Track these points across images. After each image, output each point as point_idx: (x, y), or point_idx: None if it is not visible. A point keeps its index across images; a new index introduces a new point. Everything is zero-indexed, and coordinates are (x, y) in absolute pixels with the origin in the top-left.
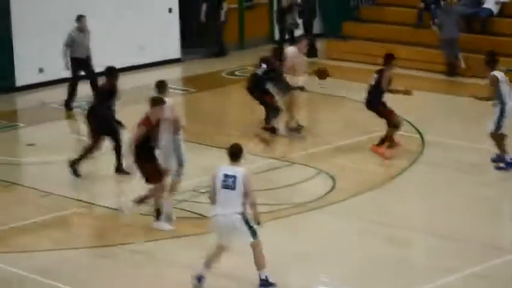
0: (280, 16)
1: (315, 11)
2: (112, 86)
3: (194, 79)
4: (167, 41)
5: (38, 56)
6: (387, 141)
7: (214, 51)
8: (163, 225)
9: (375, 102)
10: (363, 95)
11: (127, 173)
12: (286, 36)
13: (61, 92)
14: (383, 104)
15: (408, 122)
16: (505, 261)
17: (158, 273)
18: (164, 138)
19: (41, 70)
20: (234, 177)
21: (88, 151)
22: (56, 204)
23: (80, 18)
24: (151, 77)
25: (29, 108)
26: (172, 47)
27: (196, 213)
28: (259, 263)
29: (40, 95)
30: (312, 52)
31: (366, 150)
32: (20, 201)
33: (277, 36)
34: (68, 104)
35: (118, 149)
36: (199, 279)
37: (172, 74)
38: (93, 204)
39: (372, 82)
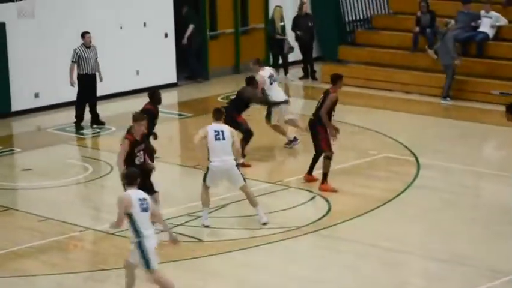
0: (273, 42)
1: (313, 35)
2: (155, 109)
3: (190, 104)
4: (164, 65)
5: (34, 81)
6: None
7: (188, 76)
8: None
9: (314, 123)
10: (358, 119)
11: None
12: (280, 61)
13: (57, 117)
14: (323, 129)
15: (404, 145)
16: (502, 283)
17: None
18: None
19: (36, 95)
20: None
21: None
22: (53, 229)
23: (84, 34)
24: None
25: (25, 133)
26: (168, 72)
27: (192, 237)
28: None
29: (36, 120)
30: (311, 75)
31: (362, 174)
32: (17, 226)
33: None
34: (77, 125)
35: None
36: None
37: (169, 99)
38: (89, 228)
39: (318, 103)
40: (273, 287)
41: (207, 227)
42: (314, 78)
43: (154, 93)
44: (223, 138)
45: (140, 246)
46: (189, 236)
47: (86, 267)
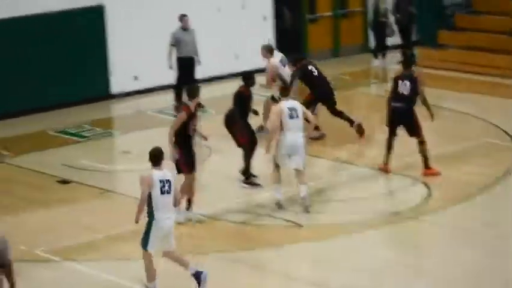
0: (376, 23)
1: (412, 19)
2: (249, 92)
3: None
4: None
5: (133, 64)
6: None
7: None
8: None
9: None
10: (457, 104)
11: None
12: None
13: (156, 99)
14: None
15: (504, 130)
16: None
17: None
18: None
19: (135, 78)
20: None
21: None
22: None
23: (182, 17)
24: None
25: (124, 116)
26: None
27: (291, 221)
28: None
29: (135, 103)
30: (411, 60)
31: (462, 159)
32: (115, 209)
33: (372, 43)
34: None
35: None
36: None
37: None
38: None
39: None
40: (376, 271)
41: (279, 204)
42: (413, 63)
43: (247, 75)
44: (297, 116)
45: (148, 225)
46: (288, 221)
47: (182, 250)
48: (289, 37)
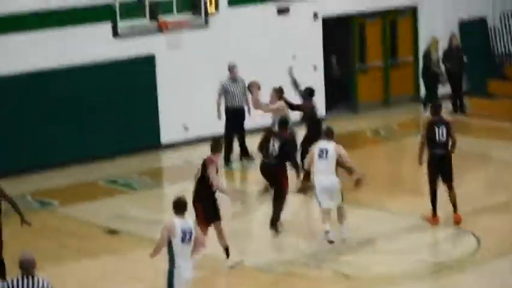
0: (427, 73)
1: (463, 68)
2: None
3: (338, 137)
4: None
5: (182, 113)
6: None
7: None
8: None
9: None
10: (506, 154)
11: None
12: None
13: (206, 149)
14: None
15: None
16: None
17: None
18: None
19: (185, 128)
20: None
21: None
22: (203, 263)
23: (232, 67)
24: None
25: (174, 166)
26: (318, 105)
27: (339, 271)
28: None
29: (185, 153)
30: (461, 110)
31: (510, 210)
32: (164, 259)
33: (422, 92)
34: (226, 159)
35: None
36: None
37: None
38: (239, 263)
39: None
40: None
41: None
42: (463, 112)
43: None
44: (326, 157)
45: (170, 275)
46: (336, 271)
47: None
48: (339, 87)
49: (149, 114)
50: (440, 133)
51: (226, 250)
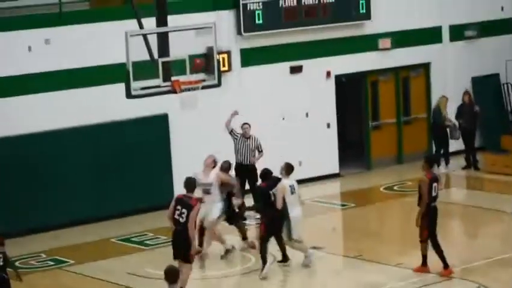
0: (437, 129)
1: (476, 124)
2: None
3: (353, 194)
4: (326, 156)
5: (195, 171)
6: None
7: None
8: None
9: None
10: None
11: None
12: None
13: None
14: None
15: None
16: None
17: None
18: None
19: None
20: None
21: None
22: None
23: (243, 125)
24: (310, 192)
25: None
26: (331, 162)
27: None
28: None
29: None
30: (474, 165)
31: None
32: None
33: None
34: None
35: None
36: None
37: (331, 189)
38: None
39: None
40: None
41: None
42: (476, 168)
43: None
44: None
45: None
46: None
47: None
48: (353, 144)
49: (164, 172)
50: (436, 188)
51: None
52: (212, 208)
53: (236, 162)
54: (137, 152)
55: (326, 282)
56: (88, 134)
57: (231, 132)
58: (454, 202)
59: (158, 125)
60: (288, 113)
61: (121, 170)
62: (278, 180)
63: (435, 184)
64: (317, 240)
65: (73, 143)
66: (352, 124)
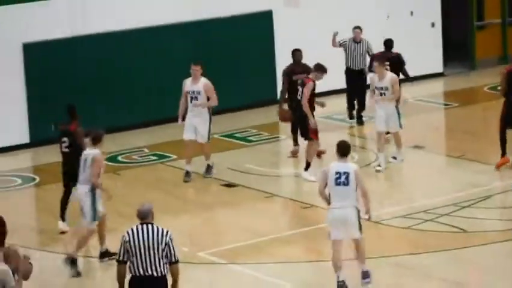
0: None
1: None
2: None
3: (456, 93)
4: (430, 55)
5: None
6: None
7: None
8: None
9: None
10: None
11: None
12: None
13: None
14: None
15: None
16: None
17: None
18: None
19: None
20: (347, 173)
21: None
22: (319, 217)
23: (355, 29)
24: (413, 91)
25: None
26: (435, 62)
27: (456, 227)
28: (362, 258)
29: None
30: None
31: None
32: (279, 213)
33: None
34: (350, 115)
35: None
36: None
37: (434, 89)
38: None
39: None
40: None
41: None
42: None
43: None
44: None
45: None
46: (454, 226)
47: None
48: (458, 44)
49: (266, 70)
50: None
51: None
52: None
53: (347, 67)
54: (241, 49)
55: (432, 179)
56: (192, 30)
57: (340, 45)
58: None
59: (263, 21)
60: (393, 11)
61: (226, 66)
62: None
63: None
64: (420, 139)
65: (174, 39)
66: (457, 24)
